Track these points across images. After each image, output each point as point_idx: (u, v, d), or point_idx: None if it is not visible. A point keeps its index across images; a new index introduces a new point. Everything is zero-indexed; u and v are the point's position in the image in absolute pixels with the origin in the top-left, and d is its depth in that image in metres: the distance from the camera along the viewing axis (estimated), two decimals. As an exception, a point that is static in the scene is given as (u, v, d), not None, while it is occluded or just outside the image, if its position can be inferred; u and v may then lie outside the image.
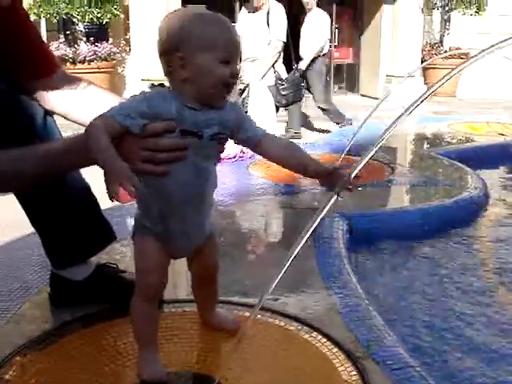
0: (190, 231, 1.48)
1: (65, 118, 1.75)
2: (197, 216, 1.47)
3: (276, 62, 5.15)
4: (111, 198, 1.19)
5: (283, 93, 5.05)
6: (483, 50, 1.38)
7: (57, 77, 1.74)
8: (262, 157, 1.50)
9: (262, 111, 4.82)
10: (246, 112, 4.71)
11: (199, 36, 1.31)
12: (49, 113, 1.73)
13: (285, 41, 5.16)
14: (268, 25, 5.07)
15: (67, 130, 1.86)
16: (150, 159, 1.34)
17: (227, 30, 1.35)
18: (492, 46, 1.39)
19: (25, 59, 1.67)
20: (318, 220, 1.40)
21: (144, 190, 1.37)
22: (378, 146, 1.40)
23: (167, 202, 1.40)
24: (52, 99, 1.72)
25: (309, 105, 7.05)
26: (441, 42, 10.45)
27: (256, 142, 1.46)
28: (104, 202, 1.88)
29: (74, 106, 1.73)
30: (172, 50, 1.32)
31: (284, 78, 5.18)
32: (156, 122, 1.32)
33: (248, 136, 1.45)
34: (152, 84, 1.39)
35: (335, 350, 1.65)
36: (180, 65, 1.32)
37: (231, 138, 1.47)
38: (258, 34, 5.12)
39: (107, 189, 1.21)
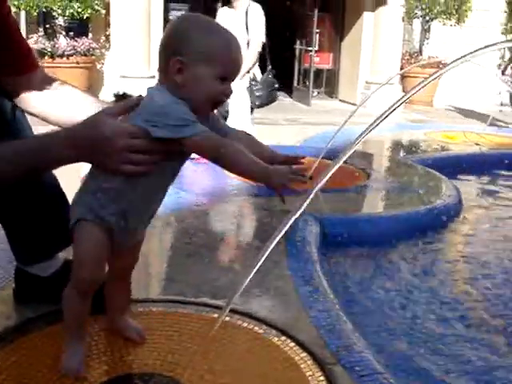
0: (139, 228, 1.48)
1: (44, 119, 1.70)
2: (148, 214, 1.47)
3: (256, 62, 5.13)
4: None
5: (257, 94, 5.03)
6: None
7: (37, 76, 1.70)
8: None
9: (240, 112, 4.80)
10: (227, 111, 4.69)
11: (203, 47, 1.30)
12: (18, 107, 1.69)
13: (264, 41, 5.12)
14: (246, 26, 5.04)
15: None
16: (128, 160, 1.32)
17: (232, 48, 1.33)
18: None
19: (7, 54, 1.62)
20: (290, 222, 1.39)
21: (121, 185, 1.34)
22: (349, 152, 1.40)
23: (136, 200, 1.38)
24: (32, 100, 1.67)
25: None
26: (420, 51, 10.53)
27: None
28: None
29: (54, 108, 1.69)
30: (175, 51, 1.30)
31: (259, 79, 5.15)
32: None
33: None
34: (115, 94, 1.37)
35: (303, 354, 1.64)
36: (177, 68, 1.29)
37: None
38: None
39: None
